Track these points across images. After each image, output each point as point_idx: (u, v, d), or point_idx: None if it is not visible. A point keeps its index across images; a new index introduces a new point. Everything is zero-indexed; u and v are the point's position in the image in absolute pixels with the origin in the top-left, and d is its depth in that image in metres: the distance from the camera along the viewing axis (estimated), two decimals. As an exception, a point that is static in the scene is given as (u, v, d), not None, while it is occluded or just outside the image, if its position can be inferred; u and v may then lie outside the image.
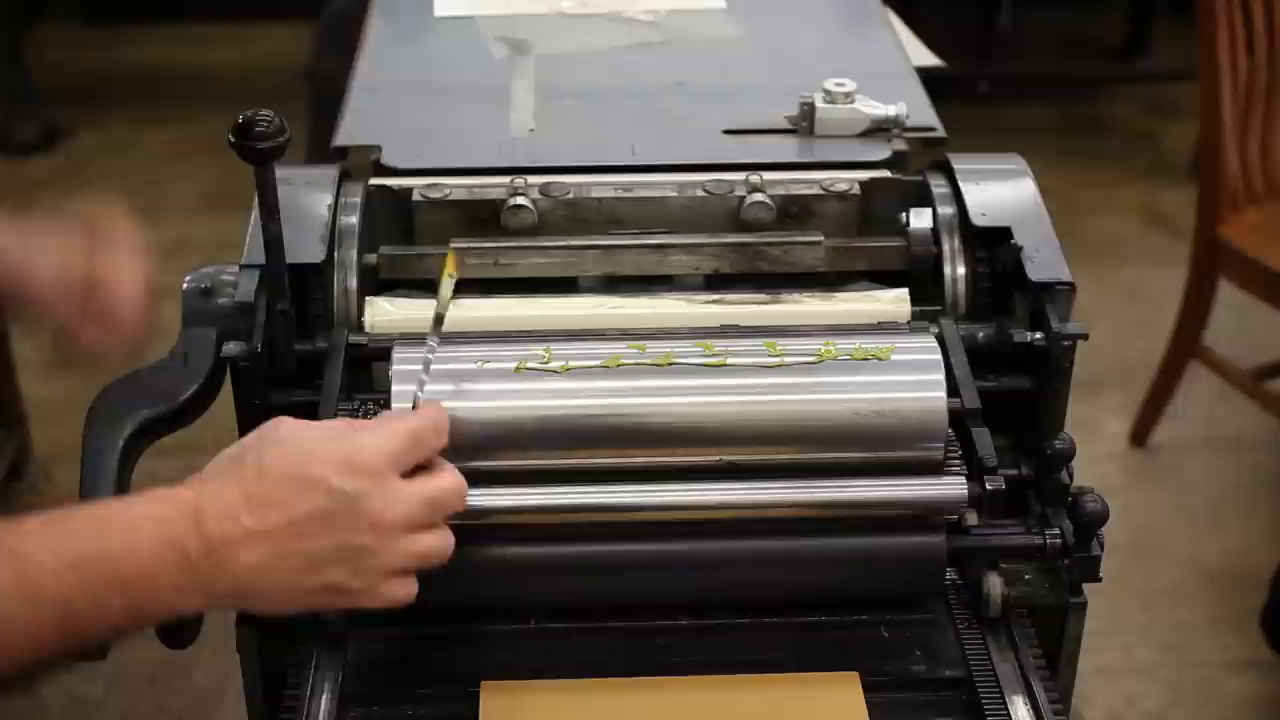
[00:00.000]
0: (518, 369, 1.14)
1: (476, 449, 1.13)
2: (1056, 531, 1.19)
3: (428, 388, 1.10)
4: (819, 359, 1.15)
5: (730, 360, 1.15)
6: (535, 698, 1.13)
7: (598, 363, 1.15)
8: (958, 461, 1.18)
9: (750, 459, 1.16)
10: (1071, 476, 1.22)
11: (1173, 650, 2.60)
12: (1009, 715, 1.13)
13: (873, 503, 1.16)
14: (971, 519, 1.18)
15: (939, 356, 1.17)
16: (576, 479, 1.15)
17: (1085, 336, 1.22)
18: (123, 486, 1.19)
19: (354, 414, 1.16)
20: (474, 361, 1.14)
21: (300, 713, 1.12)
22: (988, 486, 1.16)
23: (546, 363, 1.14)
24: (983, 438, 1.18)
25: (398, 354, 1.15)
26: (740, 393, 1.14)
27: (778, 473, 1.16)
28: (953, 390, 1.19)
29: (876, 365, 1.15)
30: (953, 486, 1.16)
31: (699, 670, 1.16)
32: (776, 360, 1.15)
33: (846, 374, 1.15)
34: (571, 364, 1.14)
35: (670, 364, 1.15)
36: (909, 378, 1.15)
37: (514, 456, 1.15)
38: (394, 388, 1.12)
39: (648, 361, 1.15)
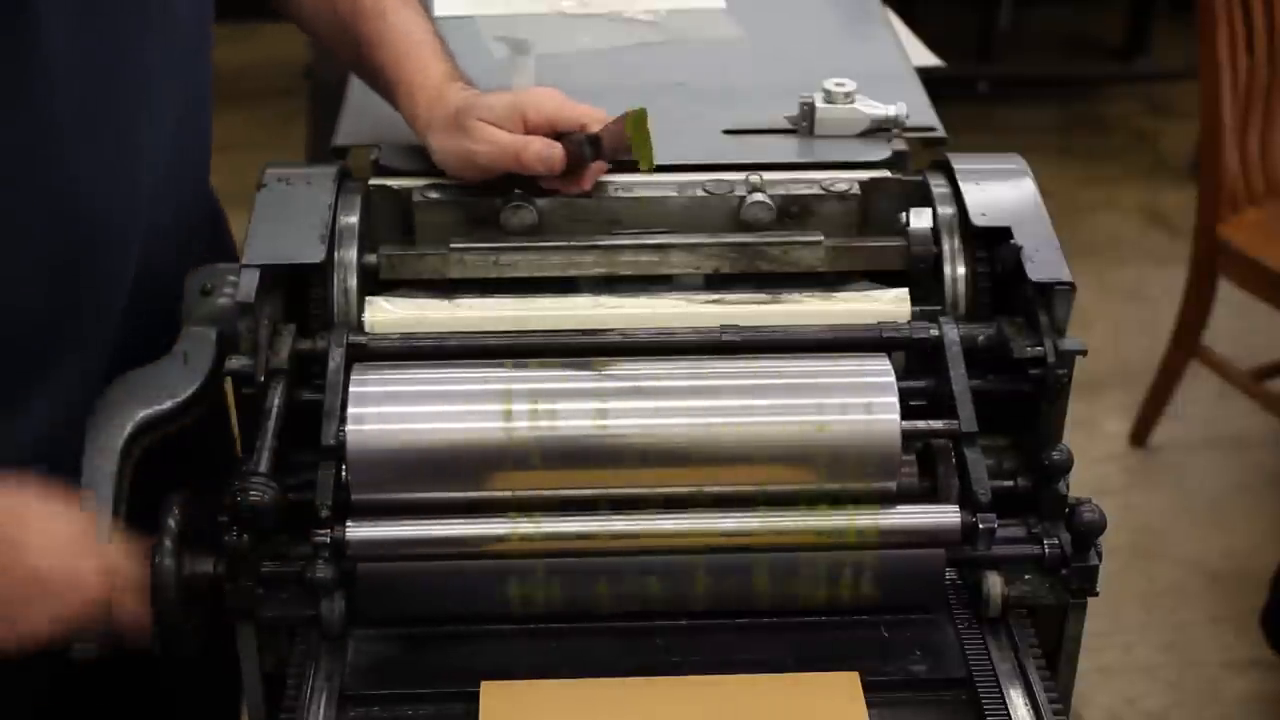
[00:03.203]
0: (486, 395, 1.17)
1: (445, 475, 1.15)
2: (1055, 541, 1.19)
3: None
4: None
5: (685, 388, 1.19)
6: (535, 698, 1.13)
7: (559, 387, 1.18)
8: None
9: (731, 488, 1.18)
10: (1069, 486, 1.22)
11: (1173, 650, 2.60)
12: (1009, 715, 1.12)
13: (863, 532, 1.16)
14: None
15: (892, 380, 1.19)
16: (543, 508, 1.16)
17: (1084, 353, 1.22)
18: (122, 486, 1.19)
19: None
20: (437, 384, 1.19)
21: (300, 713, 1.12)
22: (980, 526, 1.16)
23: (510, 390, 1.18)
24: (978, 468, 1.18)
25: (356, 374, 1.18)
26: (710, 415, 1.17)
27: (765, 501, 1.17)
28: (950, 410, 1.20)
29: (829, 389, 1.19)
30: (945, 516, 1.16)
31: (699, 670, 1.16)
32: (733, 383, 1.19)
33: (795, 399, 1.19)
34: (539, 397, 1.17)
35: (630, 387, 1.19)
36: (862, 416, 1.18)
37: (482, 485, 1.16)
38: (351, 409, 1.16)
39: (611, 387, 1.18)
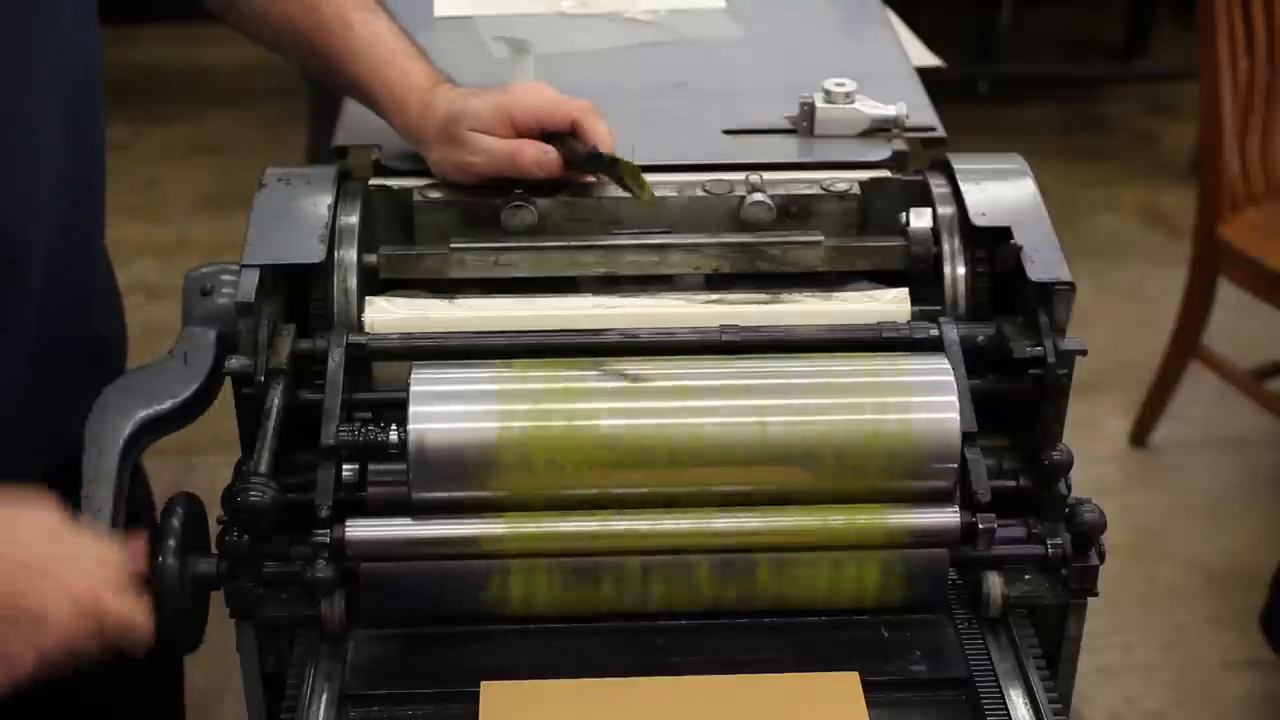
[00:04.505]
0: (547, 394, 1.16)
1: (504, 474, 1.15)
2: (1056, 541, 1.19)
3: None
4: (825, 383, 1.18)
5: (736, 384, 1.18)
6: (535, 698, 1.13)
7: (611, 385, 1.17)
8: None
9: (743, 487, 1.17)
10: (1069, 486, 1.22)
11: (1173, 650, 2.60)
12: (1009, 715, 1.12)
13: (861, 531, 1.16)
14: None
15: (951, 379, 1.18)
16: (580, 506, 1.16)
17: (1084, 353, 1.22)
18: (122, 486, 1.19)
19: (354, 436, 1.17)
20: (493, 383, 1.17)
21: (300, 713, 1.12)
22: (980, 526, 1.16)
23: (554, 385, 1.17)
24: (978, 467, 1.17)
25: (415, 373, 1.17)
26: (745, 415, 1.16)
27: (769, 500, 1.17)
28: None
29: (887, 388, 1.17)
30: (945, 516, 1.16)
31: (699, 670, 1.15)
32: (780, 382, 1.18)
33: (853, 398, 1.17)
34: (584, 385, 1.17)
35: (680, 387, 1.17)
36: (922, 414, 1.17)
37: (525, 482, 1.15)
38: (412, 408, 1.15)
39: (659, 386, 1.17)
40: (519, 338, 1.25)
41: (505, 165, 1.31)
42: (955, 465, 1.17)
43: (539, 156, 1.30)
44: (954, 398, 1.17)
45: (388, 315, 1.28)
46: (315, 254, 1.25)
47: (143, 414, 1.23)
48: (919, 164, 1.44)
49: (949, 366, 1.20)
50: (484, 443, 1.14)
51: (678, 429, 1.16)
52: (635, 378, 1.18)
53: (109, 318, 1.45)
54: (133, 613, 1.07)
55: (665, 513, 1.16)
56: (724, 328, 1.25)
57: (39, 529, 1.06)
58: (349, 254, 1.29)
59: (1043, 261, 1.25)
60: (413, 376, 1.17)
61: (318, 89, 2.93)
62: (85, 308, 1.37)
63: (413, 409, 1.15)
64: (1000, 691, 1.14)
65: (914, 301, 1.31)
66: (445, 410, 1.16)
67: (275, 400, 1.19)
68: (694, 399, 1.17)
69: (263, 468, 1.15)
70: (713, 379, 1.19)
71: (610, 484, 1.16)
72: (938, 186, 1.35)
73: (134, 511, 1.21)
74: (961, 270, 1.32)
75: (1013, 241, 1.27)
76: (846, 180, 1.38)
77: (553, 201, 1.35)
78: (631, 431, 1.16)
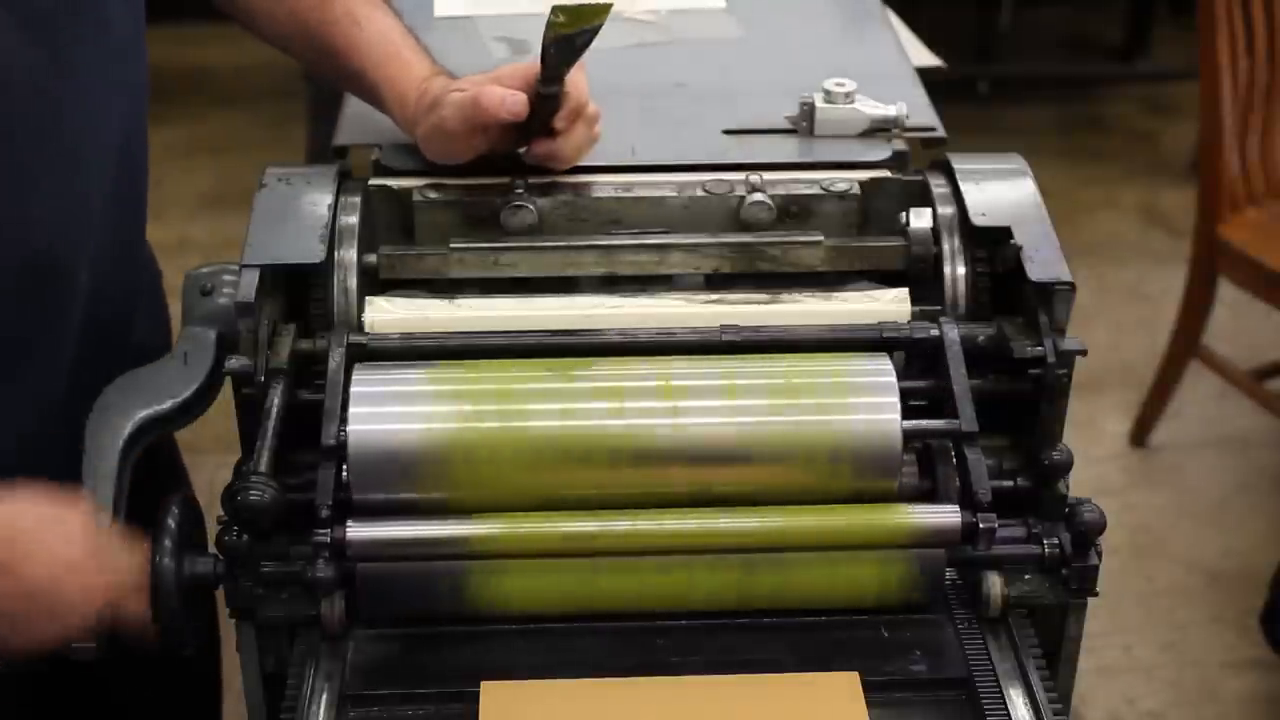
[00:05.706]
0: (481, 394, 1.17)
1: (445, 476, 1.15)
2: (1055, 541, 1.19)
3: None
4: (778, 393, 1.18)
5: (687, 387, 1.18)
6: (535, 698, 1.13)
7: (556, 386, 1.18)
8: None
9: (732, 488, 1.17)
10: (1069, 486, 1.22)
11: (1173, 650, 2.60)
12: (1009, 715, 1.13)
13: (861, 531, 1.16)
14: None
15: (893, 380, 1.19)
16: (545, 508, 1.16)
17: (1084, 353, 1.22)
18: (123, 486, 1.19)
19: None
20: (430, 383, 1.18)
21: (300, 713, 1.12)
22: (980, 526, 1.16)
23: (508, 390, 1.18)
24: (978, 467, 1.17)
25: (357, 374, 1.17)
26: (675, 417, 1.17)
27: (765, 502, 1.17)
28: (951, 410, 1.20)
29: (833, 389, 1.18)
30: (946, 516, 1.16)
31: (699, 670, 1.15)
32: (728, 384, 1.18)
33: (793, 399, 1.18)
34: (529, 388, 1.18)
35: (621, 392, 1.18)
36: (861, 415, 1.18)
37: (485, 485, 1.16)
38: (352, 409, 1.15)
39: (602, 386, 1.18)
40: (518, 338, 1.25)
41: (472, 110, 1.27)
42: (898, 466, 1.18)
43: (505, 96, 1.25)
44: (895, 399, 1.18)
45: (388, 315, 1.28)
46: (315, 254, 1.25)
47: (143, 414, 1.23)
48: (919, 164, 1.44)
49: (890, 367, 1.20)
50: (422, 445, 1.15)
51: (607, 429, 1.16)
52: (573, 378, 1.18)
53: (153, 323, 1.46)
54: (144, 615, 1.11)
55: (667, 513, 1.16)
56: (724, 328, 1.25)
57: (73, 534, 1.10)
58: (349, 254, 1.29)
59: (1043, 261, 1.25)
60: (354, 377, 1.17)
61: (318, 89, 2.93)
62: (129, 314, 1.37)
63: (352, 410, 1.15)
64: (1000, 691, 1.14)
65: (914, 301, 1.31)
66: (384, 411, 1.16)
67: (275, 400, 1.20)
68: (629, 400, 1.18)
69: (263, 467, 1.15)
70: (653, 380, 1.19)
71: (551, 486, 1.16)
72: (938, 186, 1.35)
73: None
74: (961, 270, 1.32)
75: (1013, 241, 1.27)
76: (846, 180, 1.38)
77: (552, 201, 1.35)
78: (565, 433, 1.16)
